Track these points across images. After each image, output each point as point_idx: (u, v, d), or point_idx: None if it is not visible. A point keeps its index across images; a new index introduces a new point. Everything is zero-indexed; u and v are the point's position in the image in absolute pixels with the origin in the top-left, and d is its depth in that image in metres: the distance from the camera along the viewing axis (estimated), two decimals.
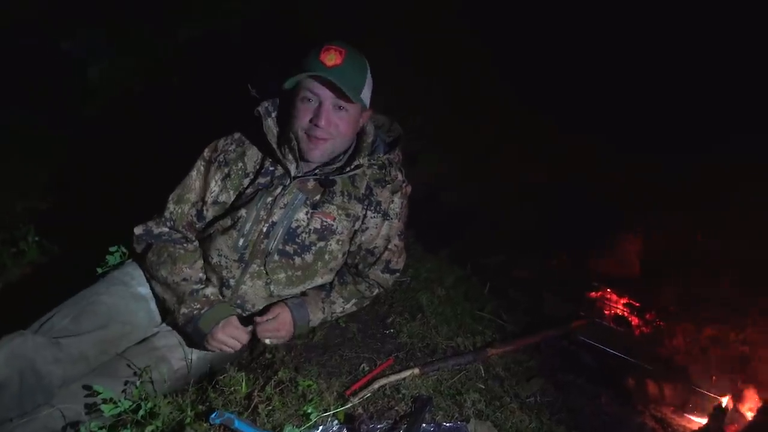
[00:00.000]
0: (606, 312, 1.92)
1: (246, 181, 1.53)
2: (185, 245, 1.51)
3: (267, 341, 1.47)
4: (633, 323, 1.87)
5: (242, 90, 1.57)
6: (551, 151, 2.67)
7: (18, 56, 3.30)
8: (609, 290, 2.04)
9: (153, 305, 1.52)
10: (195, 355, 1.48)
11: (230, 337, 1.40)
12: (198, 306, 1.39)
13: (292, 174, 1.49)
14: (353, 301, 1.61)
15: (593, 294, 2.04)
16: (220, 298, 1.46)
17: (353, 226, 1.54)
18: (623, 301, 1.98)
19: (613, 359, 1.65)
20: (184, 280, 1.43)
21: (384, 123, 1.67)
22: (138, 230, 1.52)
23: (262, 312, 1.49)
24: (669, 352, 1.68)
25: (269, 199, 1.48)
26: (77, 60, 3.29)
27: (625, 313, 1.92)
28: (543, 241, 2.33)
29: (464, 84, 3.11)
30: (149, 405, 1.28)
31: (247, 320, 1.52)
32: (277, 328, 1.45)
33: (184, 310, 1.40)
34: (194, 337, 1.40)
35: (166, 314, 1.49)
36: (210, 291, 1.44)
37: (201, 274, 1.48)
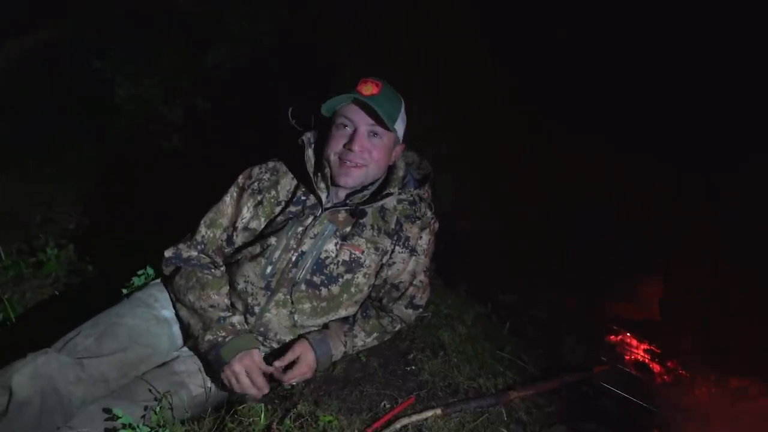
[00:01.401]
0: (626, 357, 1.89)
1: (277, 209, 1.55)
2: (213, 271, 1.51)
3: (294, 383, 1.45)
4: (654, 370, 1.84)
5: (276, 118, 1.61)
6: (569, 186, 2.68)
7: (50, 73, 3.40)
8: (629, 334, 2.02)
9: (175, 329, 1.51)
10: (214, 382, 1.47)
11: (244, 369, 1.36)
12: (223, 334, 1.38)
13: (324, 204, 1.51)
14: (375, 335, 1.60)
15: (612, 337, 2.02)
16: (246, 327, 1.45)
17: (380, 259, 1.54)
18: (643, 346, 1.96)
19: (635, 407, 1.62)
20: (212, 306, 1.43)
21: (414, 160, 1.70)
22: (168, 253, 1.53)
23: (283, 351, 1.47)
24: (692, 403, 1.65)
25: (300, 228, 1.49)
26: (106, 79, 3.38)
27: (645, 359, 1.89)
28: (560, 280, 2.32)
29: (479, 109, 3.13)
30: None
31: (273, 353, 1.50)
32: (302, 372, 1.43)
33: (209, 336, 1.39)
34: (214, 364, 1.38)
35: (189, 339, 1.48)
36: (237, 319, 1.43)
37: (227, 301, 1.48)
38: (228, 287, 1.51)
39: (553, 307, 2.11)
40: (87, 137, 3.26)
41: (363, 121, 1.46)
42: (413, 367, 1.58)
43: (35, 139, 3.22)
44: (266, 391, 1.40)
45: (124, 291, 1.61)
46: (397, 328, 1.64)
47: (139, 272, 1.62)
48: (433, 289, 1.89)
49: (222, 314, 1.42)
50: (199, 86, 3.49)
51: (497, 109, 3.17)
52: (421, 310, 1.67)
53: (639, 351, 1.93)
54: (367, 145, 1.47)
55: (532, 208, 2.71)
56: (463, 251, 2.43)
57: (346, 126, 1.47)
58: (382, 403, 1.44)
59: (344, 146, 1.47)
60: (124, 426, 1.24)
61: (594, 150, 2.67)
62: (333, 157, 1.49)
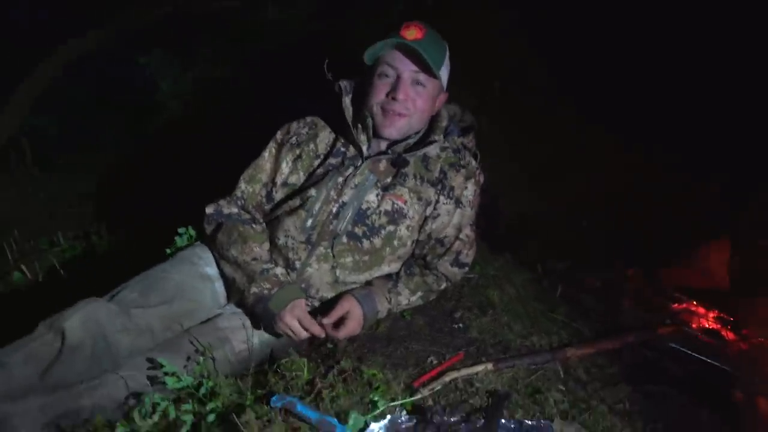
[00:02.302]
0: (694, 325, 1.73)
1: (316, 162, 1.52)
2: (254, 226, 1.50)
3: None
4: (727, 337, 1.67)
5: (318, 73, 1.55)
6: (619, 159, 2.50)
7: (96, 75, 3.58)
8: (695, 303, 1.86)
9: (218, 286, 1.51)
10: (257, 338, 1.44)
11: (296, 319, 1.34)
12: (268, 286, 1.36)
13: (365, 154, 1.47)
14: (419, 294, 1.54)
15: (676, 306, 1.86)
16: (290, 278, 1.42)
17: (424, 211, 1.48)
18: (713, 314, 1.79)
19: (707, 370, 1.47)
20: (254, 259, 1.41)
21: (456, 113, 1.64)
22: (209, 209, 1.53)
23: (329, 305, 1.44)
24: None
25: (340, 179, 1.45)
26: (149, 77, 3.53)
27: (717, 326, 1.73)
28: (613, 249, 2.17)
29: (520, 86, 2.99)
30: (210, 383, 1.25)
31: (315, 311, 1.47)
32: (353, 329, 1.39)
33: (254, 289, 1.36)
34: (263, 317, 1.36)
35: (234, 295, 1.47)
36: (280, 271, 1.41)
37: (270, 255, 1.46)
38: (268, 243, 1.49)
39: (609, 275, 1.97)
40: (129, 134, 3.40)
41: (407, 68, 1.41)
42: (461, 325, 1.50)
43: (82, 138, 3.40)
44: (323, 334, 1.37)
45: (168, 251, 1.62)
46: (442, 287, 1.57)
47: (180, 230, 1.63)
48: (479, 251, 1.81)
49: (265, 266, 1.40)
50: (238, 77, 3.56)
51: (532, 90, 3.01)
52: (467, 269, 1.59)
53: (708, 318, 1.77)
54: (411, 93, 1.42)
55: (582, 176, 2.54)
56: (507, 224, 2.33)
57: (388, 75, 1.43)
58: (429, 359, 1.37)
59: (387, 95, 1.43)
60: (167, 374, 1.23)
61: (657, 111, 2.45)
62: (375, 108, 1.44)
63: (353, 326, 1.39)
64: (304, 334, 1.36)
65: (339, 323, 1.39)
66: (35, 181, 3.28)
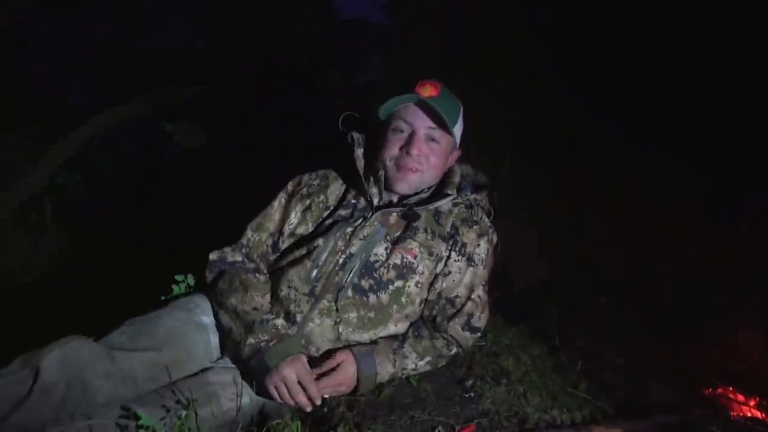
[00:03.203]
0: (733, 413, 1.55)
1: (326, 214, 1.49)
2: (257, 275, 1.44)
3: (325, 396, 1.29)
4: None
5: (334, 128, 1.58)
6: (643, 224, 2.39)
7: (128, 139, 3.78)
8: (731, 388, 1.68)
9: (213, 337, 1.42)
10: (248, 397, 1.31)
11: (295, 374, 1.22)
12: (266, 338, 1.26)
13: (375, 205, 1.45)
14: (428, 358, 1.41)
15: (710, 391, 1.68)
16: (290, 331, 1.32)
17: (435, 267, 1.42)
18: (753, 401, 1.61)
19: None
20: (255, 309, 1.33)
21: (469, 173, 1.63)
22: (213, 256, 1.48)
23: (324, 357, 1.33)
24: None
25: (349, 229, 1.41)
26: (177, 141, 3.71)
27: (761, 415, 1.54)
28: (636, 326, 2.03)
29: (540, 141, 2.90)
30: None
31: (312, 363, 1.36)
32: (335, 382, 1.27)
33: (251, 340, 1.26)
34: (257, 371, 1.25)
35: (229, 348, 1.36)
36: (280, 322, 1.31)
37: (271, 306, 1.38)
38: (270, 294, 1.41)
39: (634, 353, 1.82)
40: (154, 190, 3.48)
41: (422, 124, 1.43)
42: (472, 394, 1.36)
43: (101, 197, 3.50)
44: (319, 402, 1.24)
45: (163, 298, 1.55)
46: (452, 352, 1.44)
47: (178, 277, 1.56)
48: (491, 321, 1.70)
49: (265, 316, 1.31)
50: (256, 130, 3.68)
51: (546, 143, 2.90)
52: (479, 334, 1.48)
53: (750, 407, 1.58)
54: (425, 149, 1.43)
55: (602, 244, 2.43)
56: (522, 295, 2.23)
57: (402, 130, 1.45)
58: (436, 431, 1.22)
59: (401, 149, 1.44)
60: (142, 427, 1.11)
61: (679, 183, 2.35)
62: (389, 162, 1.45)
63: (336, 380, 1.26)
64: (300, 395, 1.23)
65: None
66: (50, 238, 3.31)
